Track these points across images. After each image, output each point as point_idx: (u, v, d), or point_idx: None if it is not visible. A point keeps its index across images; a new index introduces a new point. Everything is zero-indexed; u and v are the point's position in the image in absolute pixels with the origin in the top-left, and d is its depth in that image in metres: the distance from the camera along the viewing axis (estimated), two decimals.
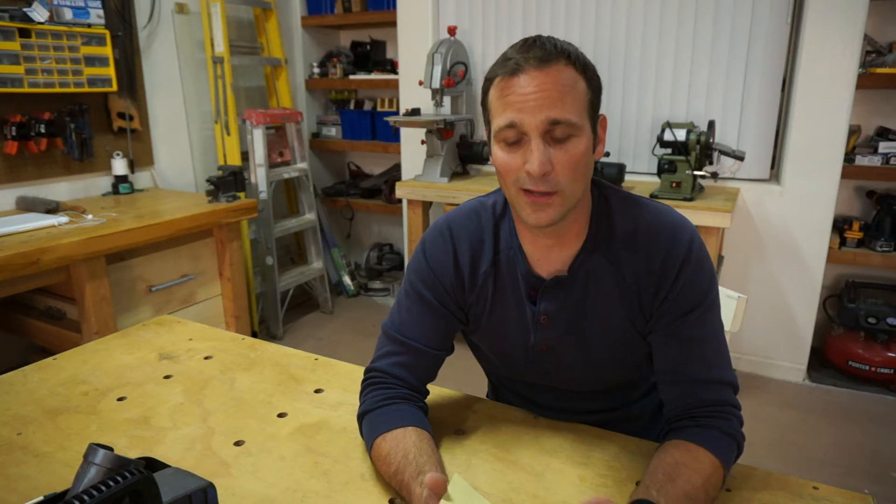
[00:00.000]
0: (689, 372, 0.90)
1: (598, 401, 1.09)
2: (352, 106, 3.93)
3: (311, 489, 0.86)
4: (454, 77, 2.91)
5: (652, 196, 2.42)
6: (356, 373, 1.18)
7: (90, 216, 2.31)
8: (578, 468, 0.89)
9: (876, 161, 2.61)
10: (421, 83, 2.91)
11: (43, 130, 2.47)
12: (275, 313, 3.29)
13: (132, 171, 2.86)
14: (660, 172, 2.49)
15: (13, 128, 2.41)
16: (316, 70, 3.78)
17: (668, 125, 2.52)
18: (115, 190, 2.81)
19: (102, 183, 2.83)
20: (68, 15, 2.45)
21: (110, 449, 0.63)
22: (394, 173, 3.72)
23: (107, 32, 2.59)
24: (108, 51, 2.60)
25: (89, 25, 2.54)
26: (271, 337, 3.27)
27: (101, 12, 2.57)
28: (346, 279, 3.92)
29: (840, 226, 2.73)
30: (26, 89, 2.35)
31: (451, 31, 2.96)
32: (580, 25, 2.89)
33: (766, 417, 2.49)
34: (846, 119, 2.47)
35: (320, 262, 3.61)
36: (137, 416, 1.05)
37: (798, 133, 2.56)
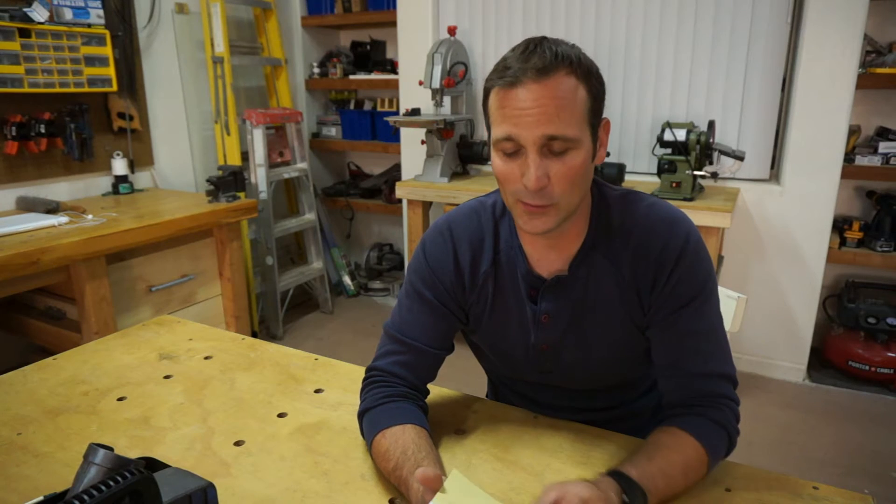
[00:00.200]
0: (687, 365, 0.91)
1: (598, 399, 1.09)
2: (352, 106, 3.93)
3: (311, 489, 0.86)
4: (454, 77, 2.91)
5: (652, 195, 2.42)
6: (356, 373, 1.18)
7: (90, 216, 2.31)
8: (578, 468, 0.89)
9: (876, 161, 2.61)
10: (421, 83, 2.91)
11: (43, 130, 2.47)
12: (275, 313, 3.29)
13: (132, 171, 2.86)
14: (660, 172, 2.49)
15: (13, 128, 2.41)
16: (316, 70, 3.78)
17: (668, 125, 2.52)
18: (115, 190, 2.81)
19: (102, 183, 2.83)
20: (68, 15, 2.45)
21: (110, 449, 0.63)
22: (394, 173, 3.72)
23: (107, 32, 2.59)
24: (108, 51, 2.60)
25: (89, 25, 2.54)
26: (271, 337, 3.27)
27: (101, 12, 2.57)
28: (346, 279, 3.92)
29: (840, 226, 2.73)
30: (26, 89, 2.35)
31: (451, 31, 2.96)
32: (580, 25, 2.89)
33: (766, 417, 2.49)
34: (846, 119, 2.46)
35: (320, 262, 3.61)
36: (137, 416, 1.05)
37: (798, 133, 2.56)
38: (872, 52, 2.62)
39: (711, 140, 2.50)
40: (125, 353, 1.30)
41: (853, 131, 2.69)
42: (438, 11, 3.20)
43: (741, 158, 2.56)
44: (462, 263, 0.98)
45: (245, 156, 3.24)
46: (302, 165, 3.45)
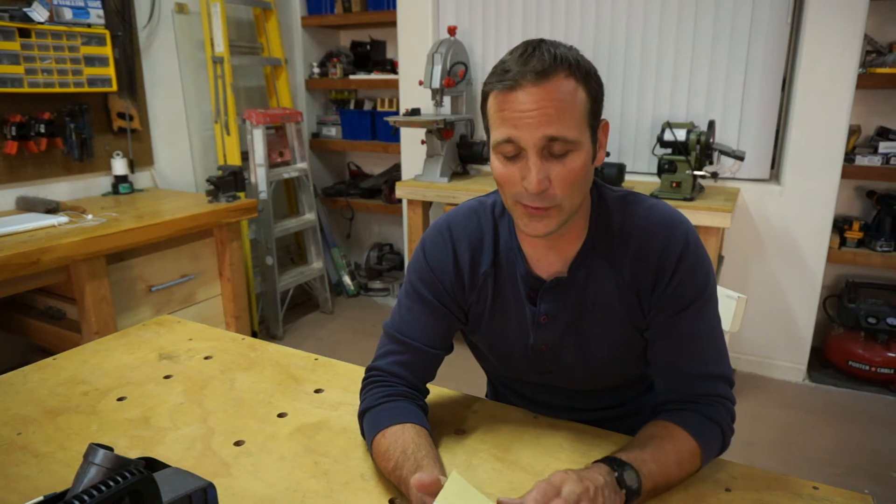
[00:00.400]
0: (685, 366, 0.91)
1: (597, 399, 1.09)
2: (352, 106, 3.93)
3: (311, 489, 0.86)
4: (454, 77, 2.91)
5: (652, 196, 2.42)
6: (356, 373, 1.18)
7: (90, 216, 2.31)
8: (578, 468, 0.89)
9: (876, 161, 2.61)
10: (421, 83, 2.91)
11: (43, 130, 2.47)
12: (275, 313, 3.29)
13: (132, 171, 2.86)
14: (660, 172, 2.49)
15: (13, 128, 2.41)
16: (316, 70, 3.78)
17: (668, 125, 2.52)
18: (115, 190, 2.81)
19: (102, 183, 2.83)
20: (68, 15, 2.45)
21: (110, 449, 0.63)
22: (394, 173, 3.72)
23: (107, 32, 2.59)
24: (108, 51, 2.60)
25: (89, 25, 2.54)
26: (271, 337, 3.27)
27: (101, 12, 2.57)
28: (346, 279, 3.92)
29: (840, 226, 2.73)
30: (26, 89, 2.35)
31: (451, 31, 2.96)
32: (580, 25, 2.89)
33: (766, 417, 2.49)
34: (846, 119, 2.46)
35: (320, 262, 3.61)
36: (137, 416, 1.05)
37: (798, 133, 2.56)
38: (872, 52, 2.62)
39: (711, 140, 2.50)
40: (125, 353, 1.30)
41: (853, 131, 2.69)
42: (438, 11, 3.20)
43: (741, 158, 2.56)
44: (462, 263, 0.98)
45: (245, 156, 3.24)
46: (302, 165, 3.45)
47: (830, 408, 2.56)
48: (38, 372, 1.21)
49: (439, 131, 2.90)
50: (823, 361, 2.86)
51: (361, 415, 0.95)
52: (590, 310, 0.95)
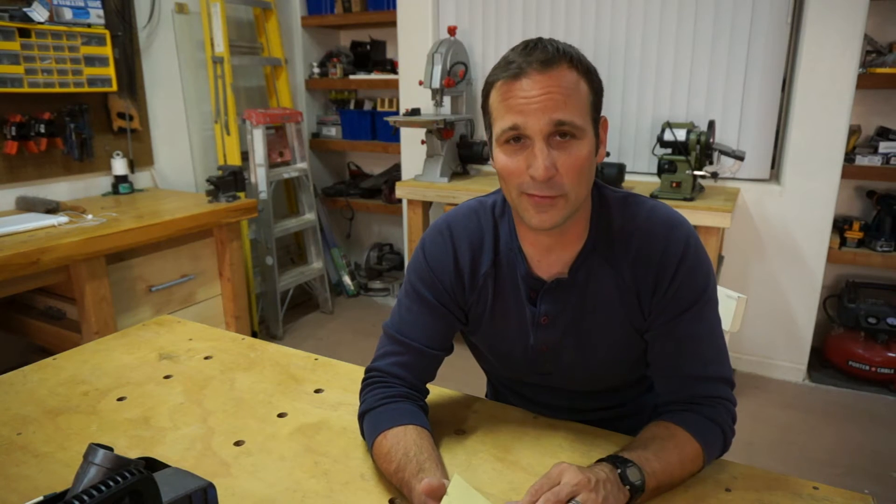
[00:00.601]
0: (685, 368, 0.91)
1: (597, 400, 1.09)
2: (352, 106, 3.93)
3: (311, 489, 0.86)
4: (454, 77, 2.91)
5: (652, 196, 2.42)
6: (356, 373, 1.18)
7: (90, 216, 2.31)
8: None
9: (876, 161, 2.61)
10: (421, 83, 2.91)
11: (43, 130, 2.47)
12: (275, 313, 3.29)
13: (132, 171, 2.86)
14: (660, 172, 2.49)
15: (13, 128, 2.41)
16: (316, 70, 3.78)
17: (668, 125, 2.52)
18: (115, 190, 2.81)
19: (102, 183, 2.83)
20: (68, 15, 2.45)
21: (110, 449, 0.63)
22: (394, 173, 3.72)
23: (107, 32, 2.59)
24: (108, 51, 2.60)
25: (89, 25, 2.54)
26: (271, 337, 3.27)
27: (101, 12, 2.57)
28: (346, 279, 3.92)
29: (840, 226, 2.73)
30: (26, 89, 2.35)
31: (451, 31, 2.96)
32: (580, 25, 2.89)
33: (766, 417, 2.49)
34: (846, 119, 2.46)
35: (320, 262, 3.61)
36: (137, 416, 1.05)
37: (798, 133, 2.56)
38: (872, 52, 2.62)
39: (711, 140, 2.50)
40: (125, 353, 1.30)
41: (853, 131, 2.69)
42: (438, 11, 3.20)
43: (741, 158, 2.56)
44: (462, 264, 0.98)
45: (245, 156, 3.24)
46: (302, 165, 3.45)
47: (830, 408, 2.56)
48: (38, 372, 1.21)
49: (439, 131, 2.90)
50: (823, 361, 2.86)
51: (361, 416, 0.95)
52: (590, 311, 0.95)
